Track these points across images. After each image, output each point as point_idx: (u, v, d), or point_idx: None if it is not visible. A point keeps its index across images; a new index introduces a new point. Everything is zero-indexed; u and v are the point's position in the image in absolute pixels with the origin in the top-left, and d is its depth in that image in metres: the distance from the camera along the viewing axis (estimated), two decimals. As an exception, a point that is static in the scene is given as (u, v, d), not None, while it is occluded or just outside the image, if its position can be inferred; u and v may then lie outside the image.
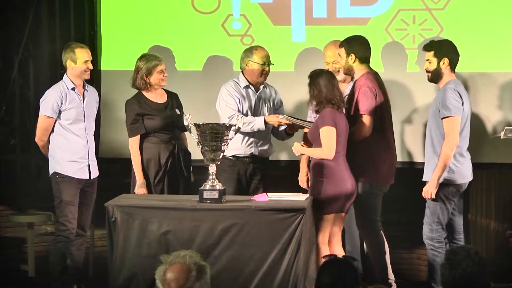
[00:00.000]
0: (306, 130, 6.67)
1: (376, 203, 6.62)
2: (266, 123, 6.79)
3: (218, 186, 6.05)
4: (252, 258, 5.88)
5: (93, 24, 7.67)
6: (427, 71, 6.48)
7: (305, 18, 7.41)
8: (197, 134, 6.04)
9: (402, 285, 7.03)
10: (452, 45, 6.47)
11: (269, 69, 6.90)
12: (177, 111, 6.85)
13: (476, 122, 7.08)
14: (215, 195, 6.01)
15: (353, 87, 6.60)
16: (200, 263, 3.66)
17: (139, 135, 6.79)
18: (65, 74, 6.76)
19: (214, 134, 6.02)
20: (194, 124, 6.06)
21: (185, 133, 6.85)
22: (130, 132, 6.82)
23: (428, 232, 6.46)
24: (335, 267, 4.27)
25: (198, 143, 6.08)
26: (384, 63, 7.24)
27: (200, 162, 6.46)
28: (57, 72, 7.46)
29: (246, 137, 6.88)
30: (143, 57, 6.84)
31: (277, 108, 7.03)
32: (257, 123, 6.77)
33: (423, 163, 6.66)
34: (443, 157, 6.28)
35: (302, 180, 7.01)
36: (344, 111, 6.35)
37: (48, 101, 6.65)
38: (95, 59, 7.37)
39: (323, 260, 4.23)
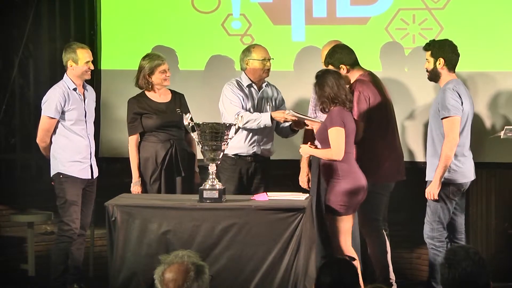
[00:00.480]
0: (310, 127, 6.67)
1: (378, 202, 6.62)
2: (272, 119, 6.79)
3: (218, 185, 6.05)
4: (252, 257, 5.88)
5: (93, 24, 7.66)
6: (427, 70, 6.49)
7: (305, 17, 7.41)
8: (197, 134, 6.04)
9: (403, 284, 7.03)
10: (451, 45, 6.45)
11: (270, 64, 6.90)
12: (178, 111, 6.85)
13: (476, 122, 7.07)
14: (215, 194, 6.01)
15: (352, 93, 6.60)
16: (199, 263, 3.65)
17: (138, 134, 6.81)
18: (65, 74, 6.76)
19: (214, 134, 6.02)
20: (194, 123, 6.06)
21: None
22: (129, 130, 6.85)
23: (429, 231, 6.47)
24: (335, 267, 4.27)
25: (198, 143, 6.09)
26: (383, 63, 7.24)
27: (200, 161, 6.46)
28: (57, 72, 7.46)
29: (249, 136, 6.88)
30: (146, 57, 6.86)
31: (279, 107, 7.04)
32: (264, 119, 6.77)
33: (423, 162, 6.67)
34: (443, 158, 6.29)
35: (303, 181, 7.01)
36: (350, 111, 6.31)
37: (51, 102, 6.65)
38: (95, 59, 7.37)
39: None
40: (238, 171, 6.90)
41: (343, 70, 6.56)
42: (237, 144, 6.78)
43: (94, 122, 6.95)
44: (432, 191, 6.35)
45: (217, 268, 5.82)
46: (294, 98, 7.34)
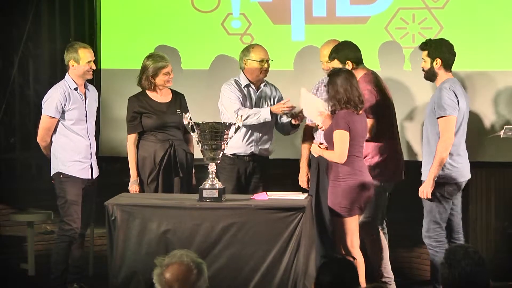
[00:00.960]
0: (312, 124, 6.67)
1: (378, 202, 6.63)
2: (272, 113, 6.78)
3: (218, 185, 6.05)
4: (252, 257, 5.88)
5: (92, 23, 7.67)
6: (423, 70, 6.49)
7: (304, 17, 7.41)
8: (197, 133, 6.04)
9: (402, 284, 7.03)
10: (448, 44, 6.44)
11: (268, 65, 6.90)
12: (178, 112, 6.84)
13: (476, 121, 7.09)
14: (215, 194, 6.02)
15: None
16: (198, 261, 3.62)
17: (137, 133, 6.81)
18: (67, 73, 6.75)
19: (213, 133, 6.02)
20: (194, 123, 6.06)
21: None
22: (128, 129, 6.84)
23: (425, 231, 6.46)
24: (334, 266, 4.27)
25: (197, 142, 6.09)
26: (381, 62, 7.24)
27: (200, 161, 6.46)
28: (57, 71, 7.47)
29: (247, 136, 6.88)
30: (150, 57, 6.83)
31: None
32: (263, 113, 6.76)
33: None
34: (438, 157, 6.27)
35: (303, 180, 7.00)
36: (363, 112, 6.27)
37: (52, 101, 6.65)
38: (95, 58, 7.37)
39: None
40: (236, 171, 6.90)
41: (348, 66, 6.56)
42: (235, 144, 6.77)
43: (94, 122, 6.95)
44: (425, 190, 6.33)
45: (217, 267, 5.83)
46: (294, 97, 7.33)
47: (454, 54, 6.43)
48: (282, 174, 7.31)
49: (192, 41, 7.53)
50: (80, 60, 6.69)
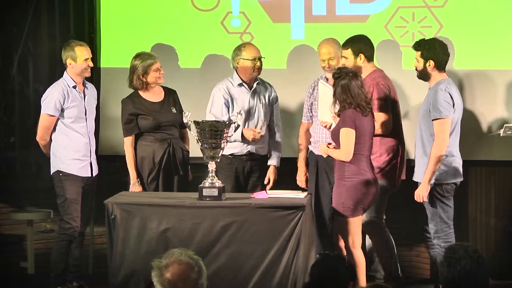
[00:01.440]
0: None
1: (383, 201, 6.65)
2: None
3: (218, 183, 6.05)
4: (251, 255, 5.89)
5: (92, 21, 7.66)
6: (416, 69, 6.49)
7: (304, 15, 7.41)
8: (197, 132, 6.04)
9: (402, 282, 7.02)
10: (441, 45, 6.41)
11: (261, 63, 6.88)
12: (173, 110, 6.83)
13: (476, 120, 7.08)
14: (215, 192, 6.02)
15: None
16: (196, 258, 3.58)
17: (133, 135, 6.79)
18: (65, 72, 6.75)
19: (213, 132, 6.02)
20: (194, 121, 6.06)
21: (187, 130, 6.82)
22: (125, 132, 6.81)
23: (434, 232, 6.42)
24: (327, 263, 4.29)
25: (197, 141, 6.08)
26: (378, 60, 7.24)
27: (199, 159, 6.45)
28: (56, 70, 7.46)
29: (243, 135, 6.85)
30: (137, 57, 6.79)
31: (272, 104, 7.02)
32: (235, 135, 6.57)
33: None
34: (432, 159, 6.25)
35: (301, 180, 6.99)
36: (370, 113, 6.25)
37: (50, 100, 6.65)
38: (94, 57, 7.37)
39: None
40: (234, 170, 6.89)
41: (360, 59, 6.59)
42: (232, 144, 6.75)
43: (94, 120, 6.95)
44: (421, 193, 6.31)
45: (216, 266, 5.83)
46: (289, 95, 7.33)
47: (448, 55, 6.42)
48: (280, 172, 7.30)
49: (192, 40, 7.52)
50: (77, 58, 6.69)
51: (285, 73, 7.40)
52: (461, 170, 6.43)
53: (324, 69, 6.79)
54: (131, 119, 6.78)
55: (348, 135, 6.09)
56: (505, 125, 6.75)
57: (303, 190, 6.67)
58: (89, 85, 6.89)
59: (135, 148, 6.80)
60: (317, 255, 4.37)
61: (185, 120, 6.11)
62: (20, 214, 7.67)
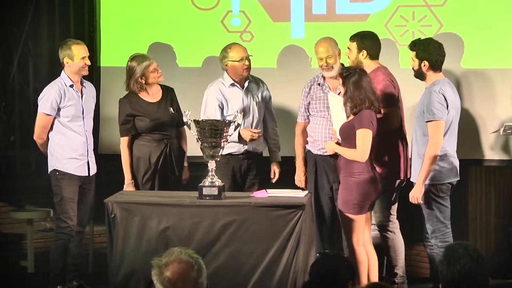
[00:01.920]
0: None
1: (389, 199, 6.66)
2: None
3: (218, 182, 6.05)
4: (251, 254, 5.88)
5: (92, 20, 7.66)
6: (413, 69, 6.49)
7: (304, 14, 7.41)
8: (197, 131, 6.04)
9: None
10: (436, 46, 6.39)
11: (249, 62, 6.85)
12: (171, 110, 6.81)
13: (475, 119, 7.08)
14: (215, 191, 6.02)
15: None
16: (196, 256, 3.58)
17: (130, 135, 6.78)
18: (62, 70, 6.75)
19: (213, 131, 6.01)
20: (194, 120, 6.06)
21: (184, 128, 6.81)
22: (121, 132, 6.81)
23: (431, 232, 6.42)
24: (327, 261, 4.30)
25: (197, 140, 6.08)
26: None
27: (198, 158, 6.45)
28: (56, 69, 7.45)
29: (240, 134, 6.84)
30: (133, 59, 6.75)
31: (267, 102, 7.02)
32: (232, 136, 6.58)
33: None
34: (426, 161, 6.24)
35: (300, 180, 6.97)
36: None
37: (47, 99, 6.65)
38: (95, 56, 7.37)
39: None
40: (231, 169, 6.87)
41: (362, 55, 6.61)
42: (229, 144, 6.72)
43: (94, 119, 6.94)
44: (415, 195, 6.29)
45: (216, 264, 5.83)
46: (280, 95, 7.33)
47: (443, 55, 6.40)
48: (280, 171, 7.29)
49: (192, 39, 7.52)
50: (74, 56, 6.67)
51: (275, 71, 7.39)
52: (457, 169, 6.42)
53: (321, 67, 6.78)
54: (128, 120, 6.76)
55: (365, 136, 6.10)
56: (505, 124, 6.74)
57: (302, 189, 6.66)
58: (88, 84, 6.88)
59: (132, 148, 6.79)
60: (317, 254, 4.36)
61: (185, 119, 6.11)
62: (20, 213, 7.67)
